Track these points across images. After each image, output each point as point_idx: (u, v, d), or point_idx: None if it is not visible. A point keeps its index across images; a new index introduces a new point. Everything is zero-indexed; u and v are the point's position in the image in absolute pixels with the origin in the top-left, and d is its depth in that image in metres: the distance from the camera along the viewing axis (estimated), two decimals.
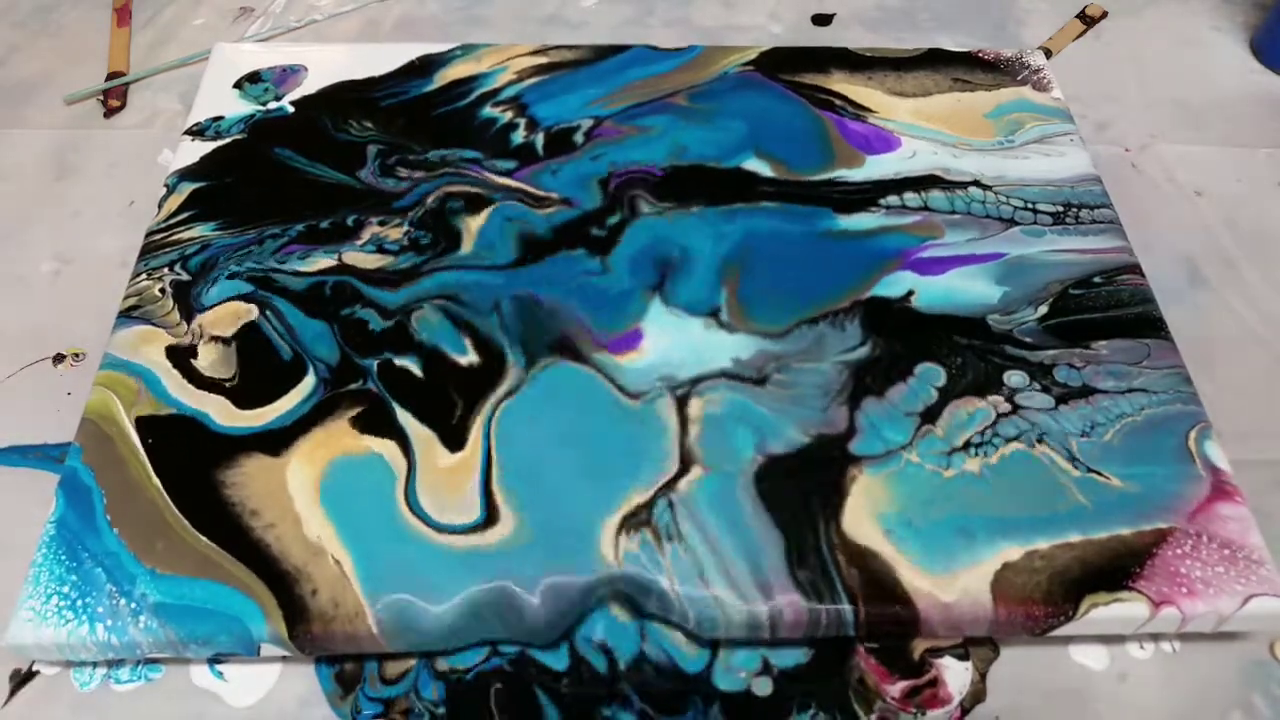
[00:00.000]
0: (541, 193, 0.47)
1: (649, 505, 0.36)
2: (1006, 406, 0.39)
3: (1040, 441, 0.38)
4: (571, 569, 0.35)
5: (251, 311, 0.42)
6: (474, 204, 0.47)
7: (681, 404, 0.39)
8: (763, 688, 0.35)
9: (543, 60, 0.54)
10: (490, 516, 0.36)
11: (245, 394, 0.40)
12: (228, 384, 0.40)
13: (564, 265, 0.44)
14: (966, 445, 0.38)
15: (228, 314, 0.42)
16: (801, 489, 0.37)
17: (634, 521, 0.36)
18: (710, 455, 0.38)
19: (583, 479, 0.37)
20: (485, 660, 0.36)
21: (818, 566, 0.35)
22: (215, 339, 0.41)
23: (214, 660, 0.36)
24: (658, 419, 0.39)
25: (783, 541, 0.36)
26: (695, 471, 0.37)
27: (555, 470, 0.37)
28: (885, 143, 0.50)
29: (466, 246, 0.45)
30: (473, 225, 0.46)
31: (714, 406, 0.39)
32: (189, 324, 0.42)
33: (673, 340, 0.41)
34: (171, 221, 0.46)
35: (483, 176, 0.48)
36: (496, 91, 0.52)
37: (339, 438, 0.38)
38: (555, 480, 0.37)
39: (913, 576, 0.35)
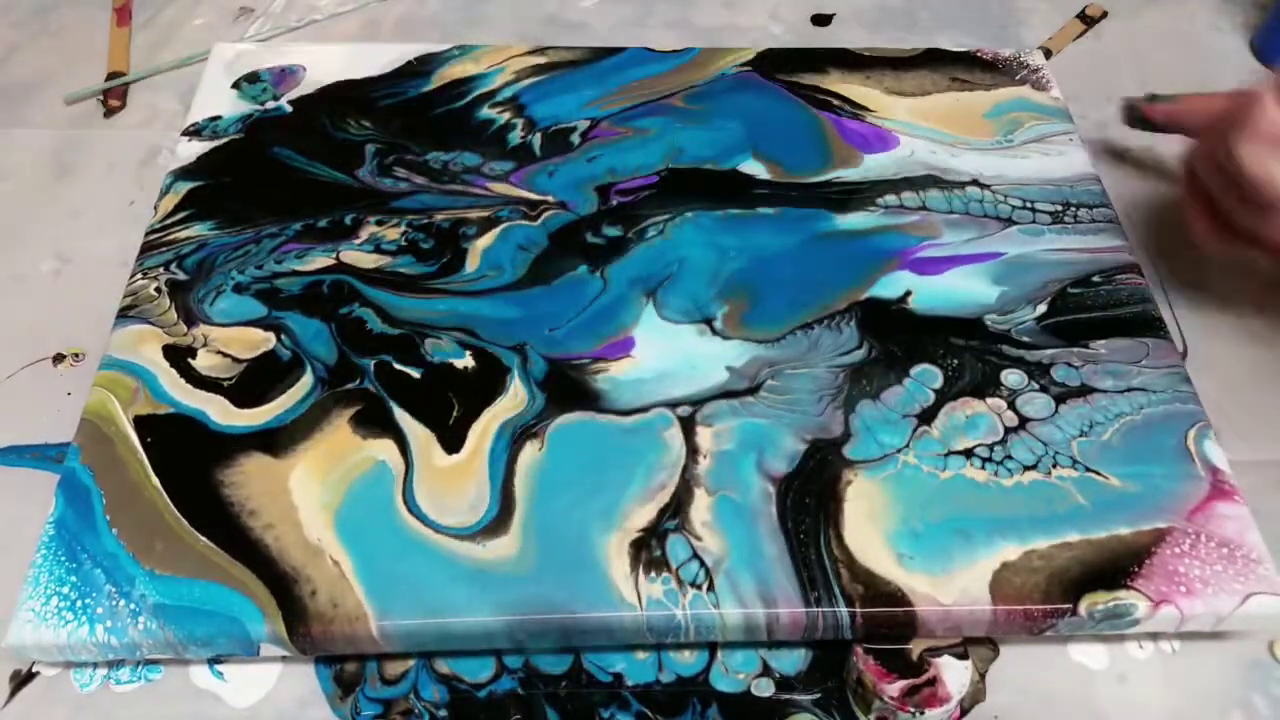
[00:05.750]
0: (537, 196, 0.47)
1: (656, 531, 0.36)
2: (1012, 418, 0.39)
3: (1056, 465, 0.38)
4: (587, 606, 0.35)
5: (270, 341, 0.41)
6: (478, 221, 0.46)
7: (683, 426, 0.39)
8: (763, 689, 0.36)
9: (540, 60, 0.54)
10: (494, 527, 0.36)
11: (243, 393, 0.40)
12: (226, 383, 0.40)
13: (569, 288, 0.44)
14: (969, 454, 0.38)
15: (243, 339, 0.41)
16: (799, 495, 0.37)
17: (646, 557, 0.36)
18: (710, 473, 0.38)
19: (589, 503, 0.37)
20: (494, 679, 0.36)
21: (816, 571, 0.35)
22: (225, 354, 0.41)
23: (214, 660, 0.36)
24: (659, 441, 0.39)
25: (782, 548, 0.36)
26: (699, 494, 0.37)
27: (563, 496, 0.37)
28: (883, 141, 0.50)
29: (470, 265, 0.44)
30: (478, 244, 0.45)
31: (712, 422, 0.39)
32: (190, 327, 0.42)
33: (665, 348, 0.41)
34: (168, 221, 0.46)
35: (483, 186, 0.48)
36: (494, 92, 0.52)
37: (341, 444, 0.38)
38: (561, 503, 0.37)
39: (911, 579, 0.35)
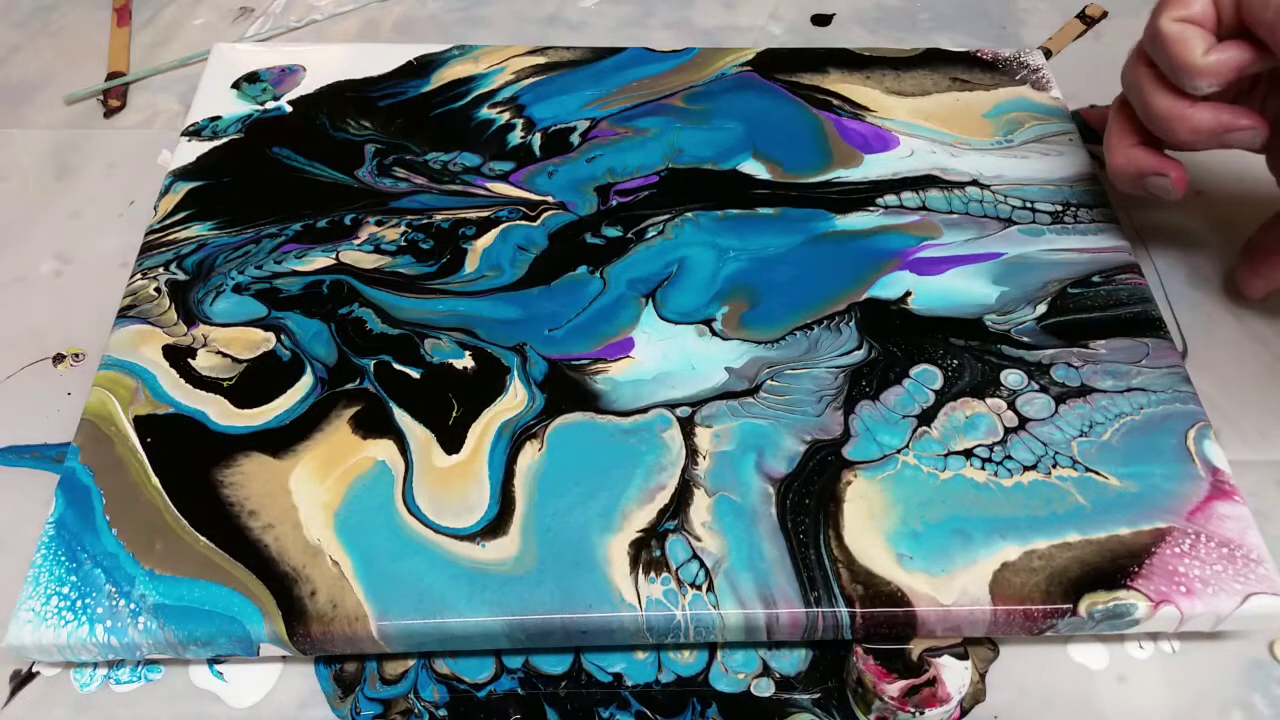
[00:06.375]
0: (536, 197, 0.47)
1: (656, 532, 0.36)
2: (1011, 418, 0.39)
3: (1056, 465, 0.38)
4: (586, 606, 0.35)
5: (270, 341, 0.41)
6: (477, 222, 0.46)
7: (683, 427, 0.39)
8: (763, 689, 0.36)
9: (540, 61, 0.54)
10: (494, 527, 0.36)
11: (243, 393, 0.40)
12: (226, 383, 0.40)
13: (568, 289, 0.44)
14: (969, 454, 0.38)
15: (243, 340, 0.41)
16: (798, 496, 0.37)
17: (645, 558, 0.35)
18: (710, 473, 0.38)
19: (588, 504, 0.37)
20: (494, 679, 0.36)
21: (816, 572, 0.35)
22: (225, 355, 0.41)
23: (214, 660, 0.36)
24: (658, 442, 0.39)
25: (782, 549, 0.36)
26: (698, 494, 0.37)
27: (562, 496, 0.37)
28: (883, 142, 0.50)
29: (470, 265, 0.44)
30: (478, 245, 0.45)
31: (712, 423, 0.39)
32: (189, 328, 0.42)
33: (665, 349, 0.41)
34: (168, 221, 0.46)
35: (483, 186, 0.48)
36: (494, 92, 0.52)
37: (340, 444, 0.38)
38: (561, 503, 0.37)
39: (911, 579, 0.35)
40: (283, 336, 0.42)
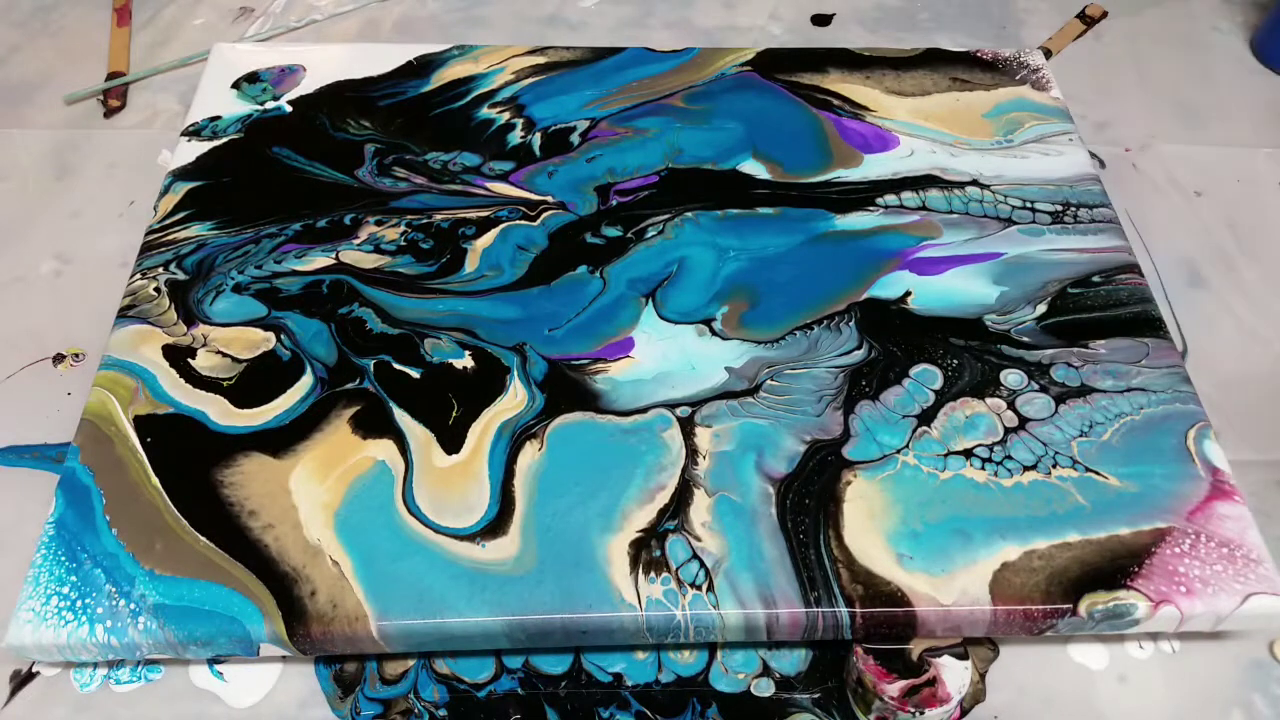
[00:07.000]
0: (536, 196, 0.47)
1: (656, 532, 0.36)
2: (1011, 418, 0.39)
3: (1055, 465, 0.38)
4: (586, 606, 0.35)
5: (269, 341, 0.41)
6: (477, 221, 0.46)
7: (683, 427, 0.39)
8: (763, 689, 0.36)
9: (540, 61, 0.54)
10: (494, 527, 0.36)
11: (243, 393, 0.40)
12: (225, 383, 0.40)
13: (568, 288, 0.44)
14: (969, 454, 0.38)
15: (243, 339, 0.42)
16: (798, 496, 0.37)
17: (645, 558, 0.35)
18: (710, 473, 0.38)
19: (588, 503, 0.37)
20: (494, 679, 0.36)
21: (816, 572, 0.35)
22: (225, 354, 0.41)
23: (214, 661, 0.36)
24: (658, 442, 0.39)
25: (782, 549, 0.36)
26: (698, 494, 0.37)
27: (562, 496, 0.37)
28: (883, 142, 0.50)
29: (470, 265, 0.44)
30: (477, 245, 0.45)
31: (711, 423, 0.39)
32: (189, 328, 0.42)
33: (665, 349, 0.41)
34: (168, 221, 0.46)
35: (483, 186, 0.48)
36: (494, 92, 0.52)
37: (340, 444, 0.38)
38: (561, 503, 0.37)
39: (911, 579, 0.35)
40: (283, 336, 0.42)
